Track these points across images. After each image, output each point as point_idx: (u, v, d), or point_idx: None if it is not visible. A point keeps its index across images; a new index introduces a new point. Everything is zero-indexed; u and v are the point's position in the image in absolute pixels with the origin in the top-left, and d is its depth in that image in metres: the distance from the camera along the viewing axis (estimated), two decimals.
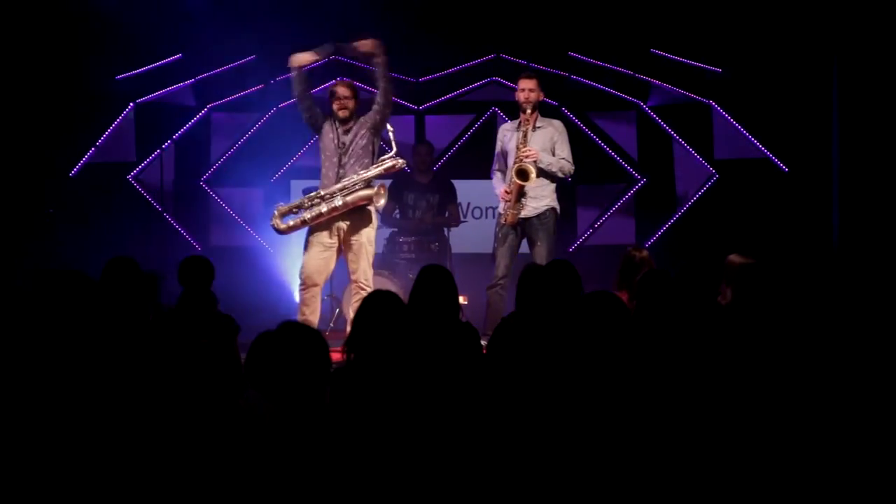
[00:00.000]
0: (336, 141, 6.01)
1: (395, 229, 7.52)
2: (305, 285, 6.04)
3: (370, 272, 6.08)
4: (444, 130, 8.58)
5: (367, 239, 6.05)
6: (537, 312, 4.02)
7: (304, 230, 6.09)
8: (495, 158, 6.41)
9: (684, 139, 8.23)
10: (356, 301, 5.94)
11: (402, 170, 6.27)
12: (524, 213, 6.15)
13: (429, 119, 8.56)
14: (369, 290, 5.93)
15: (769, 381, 3.36)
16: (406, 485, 2.67)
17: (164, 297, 6.12)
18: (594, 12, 7.83)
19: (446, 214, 7.47)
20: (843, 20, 7.60)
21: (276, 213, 6.11)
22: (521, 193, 6.10)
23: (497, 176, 6.37)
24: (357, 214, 6.00)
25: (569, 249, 8.22)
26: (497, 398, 3.15)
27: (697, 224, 8.18)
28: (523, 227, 6.20)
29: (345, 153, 5.99)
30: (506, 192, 6.16)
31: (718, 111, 8.12)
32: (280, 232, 6.15)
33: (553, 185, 6.26)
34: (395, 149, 6.01)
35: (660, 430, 2.87)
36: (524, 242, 6.32)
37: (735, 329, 3.88)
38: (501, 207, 6.25)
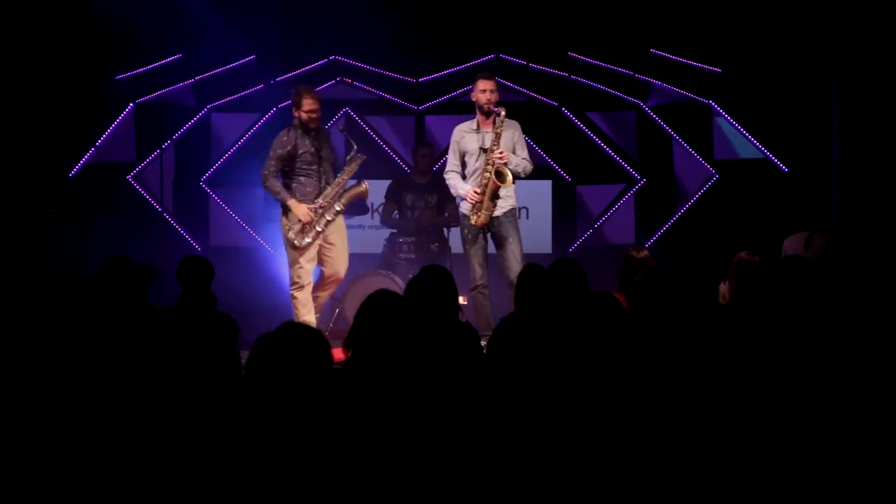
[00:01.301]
0: (313, 149, 6.26)
1: (395, 229, 7.52)
2: (302, 286, 6.16)
3: (346, 267, 6.43)
4: (444, 130, 8.57)
5: (343, 236, 6.38)
6: (537, 312, 4.02)
7: (282, 236, 6.34)
8: (449, 159, 6.41)
9: (684, 139, 8.23)
10: (330, 292, 6.40)
11: (364, 162, 6.48)
12: (493, 213, 6.18)
13: (429, 119, 8.56)
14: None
15: (769, 381, 3.36)
16: (407, 484, 2.67)
17: (163, 297, 6.13)
18: (594, 12, 7.83)
19: (445, 215, 7.47)
20: (843, 20, 7.60)
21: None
22: (495, 194, 6.11)
23: (453, 177, 6.35)
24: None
25: (569, 249, 8.22)
26: (497, 398, 3.15)
27: (697, 224, 8.18)
28: (490, 226, 6.22)
29: (321, 162, 6.30)
30: (476, 192, 6.14)
31: (718, 111, 8.12)
32: (303, 249, 6.22)
33: (514, 186, 6.28)
34: (355, 147, 6.36)
35: (659, 430, 2.87)
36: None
37: (735, 329, 3.88)
38: (465, 208, 6.24)
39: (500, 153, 6.07)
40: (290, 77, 8.13)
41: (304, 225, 6.18)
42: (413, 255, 7.28)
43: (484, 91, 6.21)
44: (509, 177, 6.05)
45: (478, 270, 6.26)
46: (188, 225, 8.34)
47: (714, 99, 8.08)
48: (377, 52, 8.02)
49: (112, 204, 8.10)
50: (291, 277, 6.26)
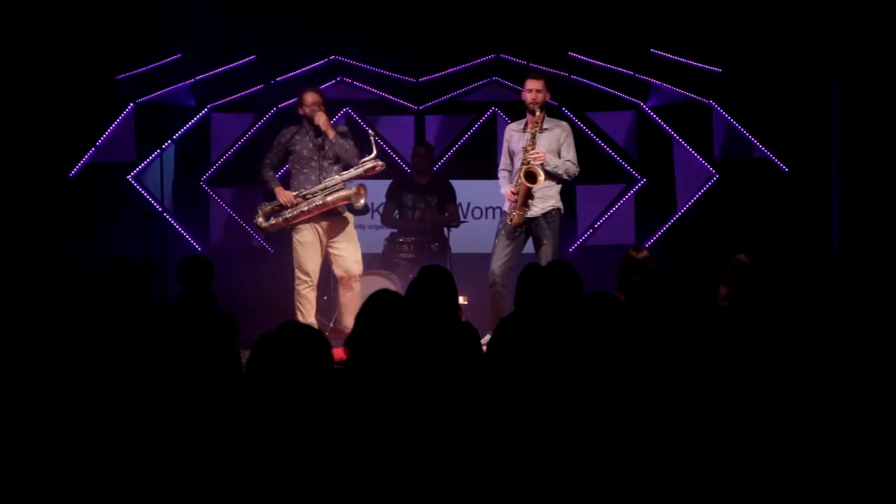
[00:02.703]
0: (312, 145, 6.28)
1: (395, 230, 7.52)
2: (308, 283, 6.26)
3: (359, 266, 6.37)
4: (444, 130, 8.57)
5: (352, 235, 6.38)
6: (537, 312, 4.02)
7: (287, 233, 6.39)
8: (501, 158, 6.42)
9: (684, 139, 8.23)
10: (351, 297, 6.23)
11: (380, 171, 6.43)
12: (530, 214, 6.17)
13: (429, 119, 8.56)
14: (358, 283, 6.30)
15: (769, 381, 3.36)
16: (406, 484, 2.67)
17: (163, 297, 6.13)
18: (594, 12, 7.83)
19: (446, 215, 7.47)
20: (842, 19, 7.60)
21: (259, 212, 6.39)
22: (528, 195, 6.12)
23: (503, 176, 6.39)
24: (335, 215, 6.32)
25: (569, 249, 8.21)
26: (497, 398, 3.15)
27: (697, 224, 8.18)
28: (529, 227, 6.22)
29: (324, 157, 6.29)
30: (512, 192, 6.17)
31: (718, 111, 8.11)
32: (263, 230, 6.48)
33: (558, 186, 6.30)
34: (375, 151, 6.27)
35: (659, 430, 2.88)
36: (528, 243, 6.33)
37: (734, 330, 3.88)
38: (507, 207, 6.27)
39: (535, 153, 6.07)
40: (290, 77, 8.13)
41: (278, 207, 6.26)
42: (413, 255, 7.28)
43: (530, 91, 6.20)
44: (540, 177, 6.04)
45: (499, 266, 6.23)
46: (188, 225, 8.34)
47: (714, 99, 8.08)
48: (377, 52, 8.01)
49: (112, 204, 8.10)
50: (297, 275, 6.29)
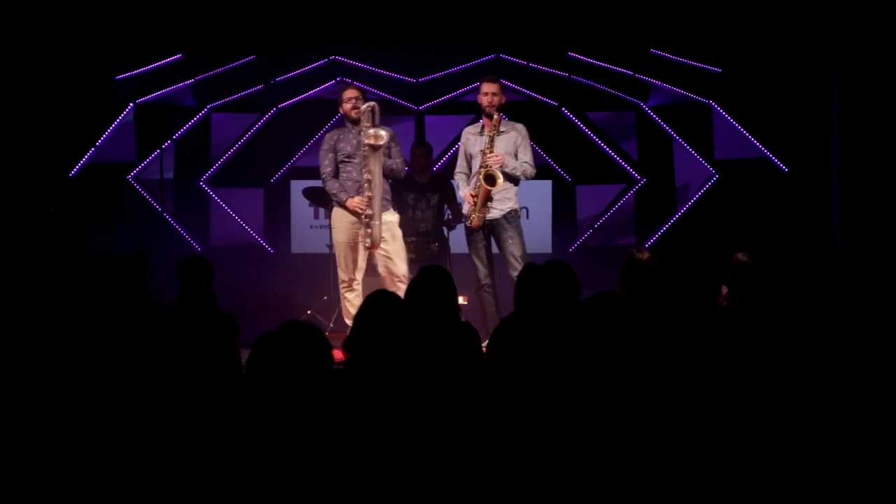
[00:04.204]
0: (356, 141, 6.12)
1: None
2: (345, 285, 6.11)
3: (404, 265, 6.13)
4: (444, 130, 8.58)
5: (395, 232, 6.13)
6: (537, 313, 4.02)
7: (331, 232, 6.20)
8: (458, 161, 6.43)
9: (684, 139, 8.24)
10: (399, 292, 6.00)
11: (384, 141, 6.08)
12: (490, 215, 6.20)
13: (429, 119, 8.56)
14: (405, 284, 5.89)
15: (770, 381, 3.36)
16: (406, 484, 2.67)
17: (164, 297, 6.12)
18: (594, 12, 7.83)
19: (448, 214, 7.47)
20: (843, 20, 7.60)
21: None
22: (487, 197, 6.14)
23: (461, 179, 6.38)
24: (386, 214, 6.09)
25: (569, 249, 8.22)
26: (497, 399, 3.15)
27: (697, 224, 8.19)
28: (491, 229, 6.24)
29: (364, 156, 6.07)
30: (471, 195, 6.18)
31: (718, 111, 8.12)
32: (372, 247, 6.09)
33: (516, 188, 6.30)
34: (368, 122, 6.06)
35: (660, 430, 2.88)
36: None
37: (735, 329, 3.88)
38: (466, 210, 6.28)
39: (494, 156, 6.10)
40: (290, 77, 8.14)
41: (358, 218, 6.00)
42: (413, 255, 7.25)
43: (486, 94, 6.22)
44: (499, 180, 6.07)
45: (481, 270, 6.29)
46: (188, 225, 8.34)
47: (714, 99, 8.09)
48: (377, 52, 8.02)
49: (112, 204, 8.11)
50: (339, 277, 6.19)
